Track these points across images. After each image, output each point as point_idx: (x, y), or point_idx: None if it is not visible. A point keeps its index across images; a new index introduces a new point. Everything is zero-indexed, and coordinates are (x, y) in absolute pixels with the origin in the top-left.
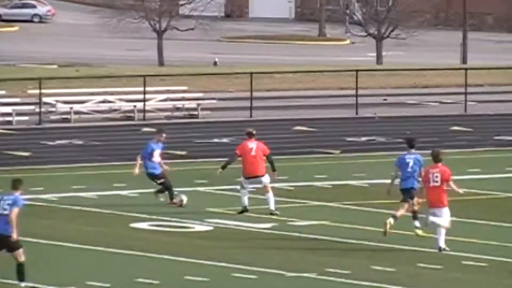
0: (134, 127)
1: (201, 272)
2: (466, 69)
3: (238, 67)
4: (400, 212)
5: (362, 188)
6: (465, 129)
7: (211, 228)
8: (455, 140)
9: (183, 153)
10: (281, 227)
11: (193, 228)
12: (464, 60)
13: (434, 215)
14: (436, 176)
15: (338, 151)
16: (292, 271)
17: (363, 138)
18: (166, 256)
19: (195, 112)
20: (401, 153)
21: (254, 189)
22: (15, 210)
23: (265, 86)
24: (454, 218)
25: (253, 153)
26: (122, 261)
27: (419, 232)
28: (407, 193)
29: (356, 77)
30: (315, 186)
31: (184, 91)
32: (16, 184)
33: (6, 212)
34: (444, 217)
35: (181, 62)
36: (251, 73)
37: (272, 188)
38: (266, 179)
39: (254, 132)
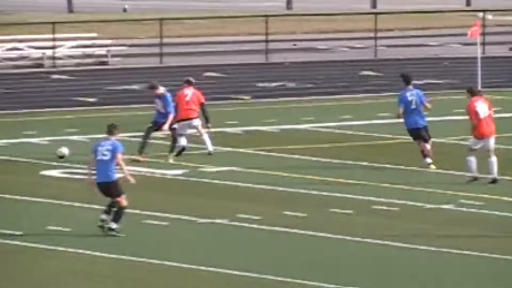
0: (43, 74)
1: None
2: (376, 13)
3: (148, 14)
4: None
5: (273, 133)
6: (375, 73)
7: (122, 175)
8: (365, 85)
9: (93, 100)
10: (192, 174)
11: None
12: (374, 5)
13: (488, 143)
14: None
15: (248, 97)
16: (204, 217)
17: (274, 84)
18: (77, 204)
19: (105, 59)
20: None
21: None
22: (120, 156)
23: (175, 32)
24: (365, 163)
25: (187, 98)
26: (33, 208)
27: (432, 166)
28: (415, 134)
29: (266, 23)
30: (227, 132)
31: (94, 38)
32: (111, 129)
33: (106, 158)
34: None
35: (91, 8)
36: (161, 19)
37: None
38: (197, 121)
39: (193, 80)
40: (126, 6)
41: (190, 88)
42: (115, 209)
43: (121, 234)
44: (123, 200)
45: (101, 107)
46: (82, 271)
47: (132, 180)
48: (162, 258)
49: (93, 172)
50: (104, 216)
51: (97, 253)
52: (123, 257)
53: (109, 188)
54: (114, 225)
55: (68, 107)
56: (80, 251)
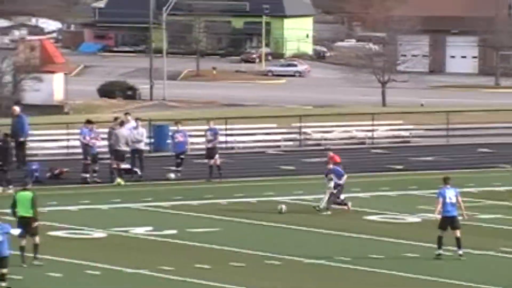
0: (365, 149)
1: None
2: None
3: (438, 107)
4: None
5: None
6: None
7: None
8: None
9: (400, 167)
10: None
11: None
12: None
13: None
14: None
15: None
16: None
17: None
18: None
19: (408, 139)
20: None
21: None
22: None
23: (457, 120)
24: None
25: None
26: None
27: None
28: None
29: None
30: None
31: (400, 124)
32: (446, 180)
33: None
34: None
35: (399, 104)
36: (447, 111)
37: None
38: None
39: None
40: (423, 103)
41: None
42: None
43: None
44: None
45: (405, 172)
46: None
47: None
48: None
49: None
50: None
51: None
52: None
53: None
54: None
55: (382, 171)
56: None
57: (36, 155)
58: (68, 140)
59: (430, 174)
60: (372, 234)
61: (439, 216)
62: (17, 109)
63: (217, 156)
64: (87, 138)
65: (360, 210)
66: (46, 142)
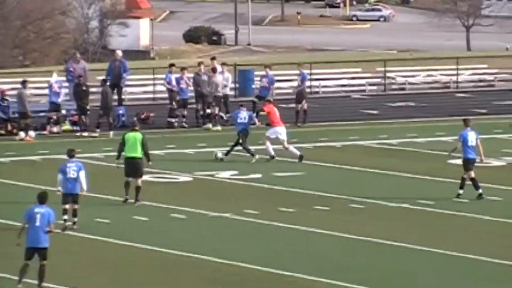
0: (449, 93)
1: None
2: None
3: None
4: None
5: None
6: None
7: None
8: None
9: (484, 111)
10: None
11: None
12: None
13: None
14: None
15: None
16: None
17: None
18: None
19: (493, 83)
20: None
21: None
22: None
23: None
24: None
25: None
26: None
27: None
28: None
29: None
30: None
31: (485, 68)
32: (467, 123)
33: None
34: None
35: (483, 48)
36: None
37: None
38: None
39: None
40: (508, 46)
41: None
42: None
43: None
44: None
45: (489, 116)
46: None
47: None
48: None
49: None
50: None
51: None
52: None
53: None
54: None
55: (467, 115)
56: None
57: (122, 100)
58: (154, 85)
59: None
60: (457, 178)
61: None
62: (119, 53)
63: (304, 101)
64: (173, 83)
65: (444, 154)
66: (132, 87)
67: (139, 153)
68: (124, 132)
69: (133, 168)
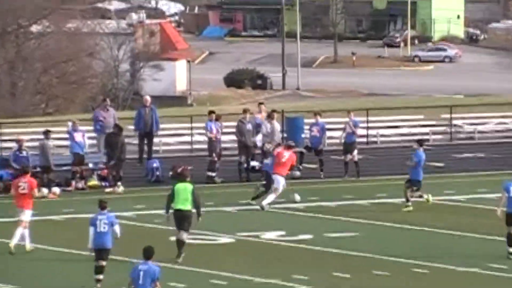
0: None
1: None
2: None
3: None
4: None
5: None
6: None
7: None
8: None
9: None
10: None
11: None
12: None
13: None
14: None
15: None
16: None
17: None
18: None
19: None
20: None
21: None
22: None
23: None
24: None
25: None
26: None
27: None
28: None
29: None
30: None
31: None
32: None
33: None
34: None
35: None
36: None
37: None
38: None
39: None
40: None
41: None
42: None
43: None
44: None
45: None
46: None
47: None
48: None
49: None
50: None
51: None
52: None
53: None
54: None
55: None
56: None
57: (157, 151)
58: (192, 134)
59: None
60: None
61: (499, 210)
62: (149, 99)
63: (355, 151)
64: (214, 132)
65: None
66: (167, 137)
67: (189, 206)
68: (173, 183)
69: (180, 220)
